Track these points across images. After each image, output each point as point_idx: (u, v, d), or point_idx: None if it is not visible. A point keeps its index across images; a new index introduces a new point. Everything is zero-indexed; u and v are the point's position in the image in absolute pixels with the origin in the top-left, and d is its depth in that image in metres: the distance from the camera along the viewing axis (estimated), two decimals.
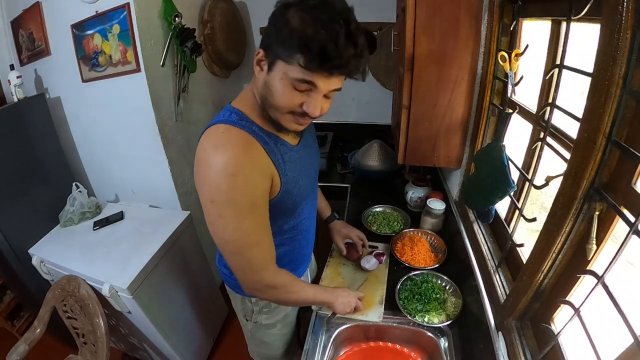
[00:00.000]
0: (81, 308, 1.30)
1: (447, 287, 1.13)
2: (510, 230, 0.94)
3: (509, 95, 0.92)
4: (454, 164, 1.30)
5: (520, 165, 0.91)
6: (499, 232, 1.06)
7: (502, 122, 0.93)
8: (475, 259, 1.05)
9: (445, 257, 1.24)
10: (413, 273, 1.17)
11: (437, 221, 1.37)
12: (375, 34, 2.01)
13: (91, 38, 1.42)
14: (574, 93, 0.72)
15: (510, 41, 0.97)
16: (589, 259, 0.57)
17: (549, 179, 0.71)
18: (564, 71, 0.70)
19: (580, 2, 0.60)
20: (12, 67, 1.45)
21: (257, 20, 2.20)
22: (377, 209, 1.59)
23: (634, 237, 0.47)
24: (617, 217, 0.53)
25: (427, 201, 1.37)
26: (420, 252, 1.26)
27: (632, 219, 0.48)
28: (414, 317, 1.03)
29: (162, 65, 1.50)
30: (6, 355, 1.28)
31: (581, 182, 0.56)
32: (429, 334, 1.01)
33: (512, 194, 0.89)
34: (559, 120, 0.73)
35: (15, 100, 1.44)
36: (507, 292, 0.85)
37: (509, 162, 0.88)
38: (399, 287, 1.12)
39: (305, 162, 0.86)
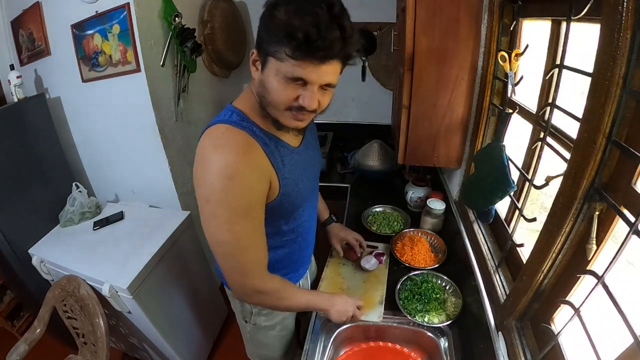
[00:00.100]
0: (81, 308, 1.30)
1: (447, 287, 1.13)
2: (510, 230, 0.94)
3: (509, 95, 0.92)
4: (454, 164, 1.30)
5: (520, 165, 0.91)
6: (499, 232, 1.06)
7: (502, 122, 0.93)
8: (475, 259, 1.05)
9: (445, 257, 1.24)
10: (413, 273, 1.17)
11: (437, 221, 1.37)
12: (375, 34, 2.02)
13: (91, 38, 1.42)
14: (574, 93, 0.72)
15: (510, 41, 0.97)
16: (589, 259, 0.57)
17: (549, 179, 0.71)
18: (564, 71, 0.70)
19: (580, 2, 0.60)
20: (12, 67, 1.45)
21: (257, 20, 2.18)
22: (377, 209, 1.59)
23: (634, 237, 0.47)
24: (617, 217, 0.53)
25: (427, 201, 1.37)
26: (420, 252, 1.26)
27: (632, 219, 0.48)
28: (414, 317, 1.03)
29: (162, 65, 1.50)
30: (6, 355, 1.28)
31: (581, 182, 0.56)
32: (429, 334, 1.01)
33: (512, 194, 0.89)
34: (559, 120, 0.73)
35: (15, 100, 1.44)
36: (507, 292, 0.85)
37: (509, 162, 0.88)
38: (399, 287, 1.12)
39: (306, 164, 0.86)
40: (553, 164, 0.73)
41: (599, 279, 0.52)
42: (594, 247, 0.56)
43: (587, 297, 0.55)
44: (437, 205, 1.34)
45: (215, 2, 1.80)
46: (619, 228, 0.55)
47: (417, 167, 1.77)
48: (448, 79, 1.13)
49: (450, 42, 1.08)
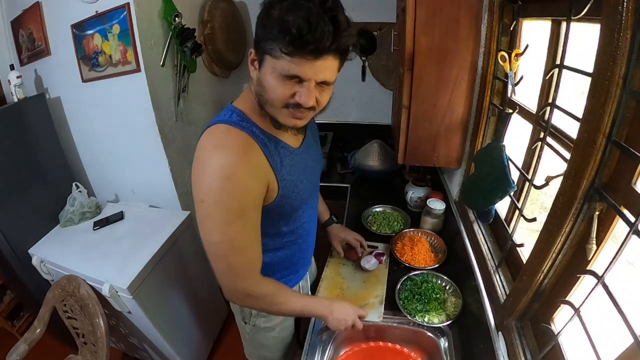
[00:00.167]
0: (81, 308, 1.30)
1: (447, 287, 1.13)
2: (510, 230, 0.94)
3: (509, 95, 0.92)
4: (454, 164, 1.30)
5: (520, 165, 0.91)
6: (499, 232, 1.06)
7: (502, 122, 0.93)
8: (475, 259, 1.05)
9: (445, 257, 1.24)
10: (413, 273, 1.17)
11: (437, 221, 1.37)
12: (375, 34, 2.02)
13: (91, 38, 1.42)
14: (574, 93, 0.72)
15: (510, 41, 0.97)
16: (589, 259, 0.57)
17: (549, 179, 0.71)
18: (564, 71, 0.70)
19: (580, 2, 0.60)
20: (12, 67, 1.45)
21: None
22: (377, 209, 1.59)
23: (634, 237, 0.47)
24: (617, 217, 0.53)
25: (427, 201, 1.37)
26: (420, 252, 1.26)
27: (632, 219, 0.48)
28: (414, 317, 1.03)
29: (162, 65, 1.50)
30: (6, 355, 1.28)
31: (581, 182, 0.56)
32: (429, 334, 1.01)
33: (512, 194, 0.89)
34: (559, 120, 0.73)
35: (15, 100, 1.44)
36: (507, 292, 0.85)
37: (509, 162, 0.88)
38: (399, 287, 1.12)
39: (306, 165, 0.85)
40: (553, 164, 0.73)
41: (599, 279, 0.52)
42: (594, 247, 0.56)
43: (587, 297, 0.55)
44: (437, 205, 1.34)
45: (215, 2, 1.80)
46: (619, 228, 0.55)
47: (417, 167, 1.77)
48: (448, 79, 1.13)
49: (450, 42, 1.08)
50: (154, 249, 1.41)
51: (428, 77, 1.14)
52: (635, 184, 0.51)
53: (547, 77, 0.77)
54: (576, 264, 0.62)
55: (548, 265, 0.66)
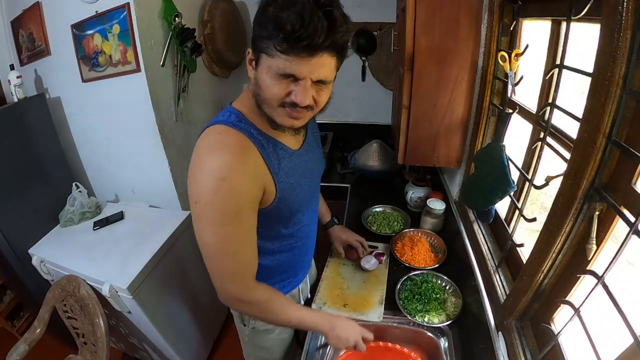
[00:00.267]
0: (81, 308, 1.30)
1: (447, 287, 1.13)
2: (510, 230, 0.94)
3: (509, 95, 0.92)
4: (454, 164, 1.30)
5: (520, 165, 0.91)
6: (499, 232, 1.06)
7: (502, 122, 0.93)
8: (475, 259, 1.05)
9: (445, 257, 1.24)
10: (413, 273, 1.17)
11: (437, 221, 1.37)
12: (375, 34, 2.02)
13: (91, 38, 1.42)
14: (574, 93, 0.72)
15: (510, 41, 0.97)
16: (589, 259, 0.57)
17: (549, 179, 0.71)
18: (564, 71, 0.70)
19: (580, 2, 0.60)
20: (12, 67, 1.45)
21: None
22: (377, 209, 1.59)
23: (634, 237, 0.47)
24: (617, 217, 0.53)
25: (427, 201, 1.37)
26: (420, 252, 1.26)
27: (632, 219, 0.48)
28: (414, 317, 1.03)
29: (162, 65, 1.50)
30: (6, 355, 1.28)
31: (581, 182, 0.56)
32: (429, 334, 1.01)
33: (512, 194, 0.89)
34: (559, 120, 0.73)
35: (15, 100, 1.44)
36: (507, 292, 0.85)
37: (509, 162, 0.88)
38: (399, 287, 1.12)
39: (306, 167, 0.84)
40: (553, 164, 0.73)
41: (599, 279, 0.52)
42: (594, 247, 0.56)
43: (587, 297, 0.55)
44: (437, 205, 1.34)
45: (215, 2, 1.80)
46: (619, 228, 0.55)
47: (417, 167, 1.77)
48: (448, 79, 1.13)
49: (450, 42, 1.08)
50: (154, 249, 1.41)
51: (428, 77, 1.14)
52: (635, 184, 0.51)
53: (547, 77, 0.77)
54: (576, 264, 0.62)
55: (548, 265, 0.66)
